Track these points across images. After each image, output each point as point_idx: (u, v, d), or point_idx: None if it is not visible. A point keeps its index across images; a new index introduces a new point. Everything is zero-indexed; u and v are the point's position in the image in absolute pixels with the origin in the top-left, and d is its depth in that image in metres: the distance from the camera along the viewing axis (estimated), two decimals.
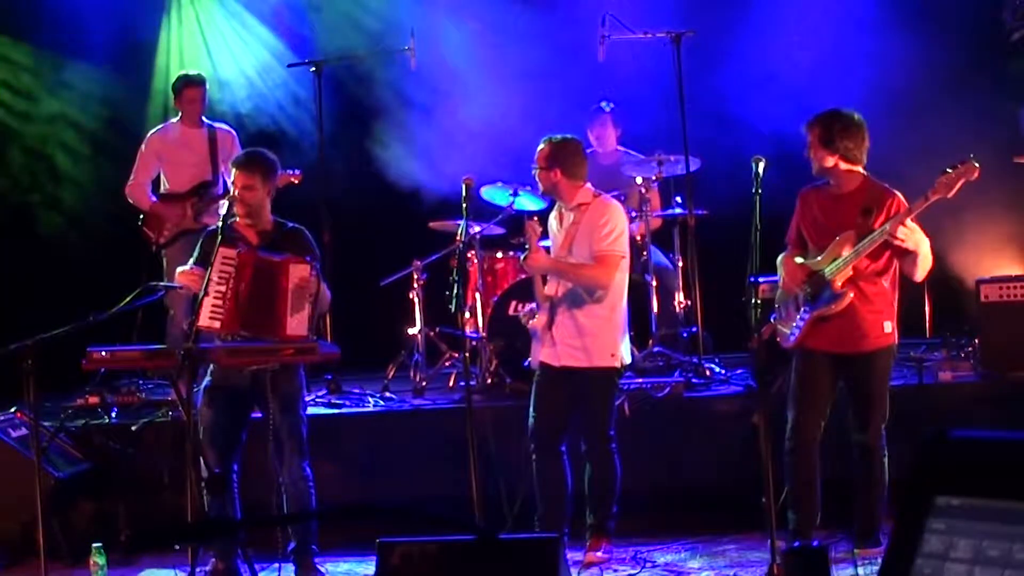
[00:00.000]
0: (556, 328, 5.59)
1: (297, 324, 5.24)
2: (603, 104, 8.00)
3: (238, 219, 5.44)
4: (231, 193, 5.48)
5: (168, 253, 7.48)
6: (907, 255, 5.11)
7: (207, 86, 7.76)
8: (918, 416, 5.80)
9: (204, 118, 7.72)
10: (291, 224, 5.61)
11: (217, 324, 5.21)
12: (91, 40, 8.77)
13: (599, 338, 5.52)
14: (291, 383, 5.43)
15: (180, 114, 7.66)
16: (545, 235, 5.90)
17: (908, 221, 5.02)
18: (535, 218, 5.80)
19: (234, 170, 5.52)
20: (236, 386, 5.37)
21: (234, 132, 7.75)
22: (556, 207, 5.81)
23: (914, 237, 5.04)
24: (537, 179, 5.71)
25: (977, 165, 4.96)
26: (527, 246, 5.66)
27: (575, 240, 5.58)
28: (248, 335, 5.30)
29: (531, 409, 5.66)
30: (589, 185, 5.69)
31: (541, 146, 5.67)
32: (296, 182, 7.38)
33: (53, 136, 9.00)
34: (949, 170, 4.98)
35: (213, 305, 5.16)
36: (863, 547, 5.26)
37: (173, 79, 7.98)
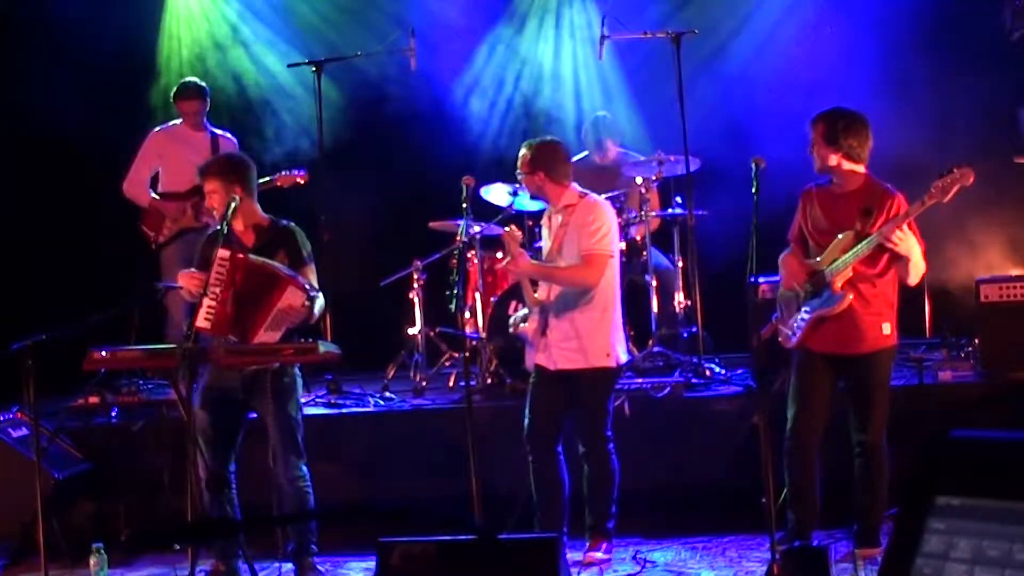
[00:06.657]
0: (551, 332, 5.58)
1: (266, 340, 5.21)
2: (598, 113, 8.02)
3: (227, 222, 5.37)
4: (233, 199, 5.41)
5: (165, 253, 7.48)
6: (901, 259, 5.11)
7: (206, 95, 7.75)
8: (918, 416, 5.80)
9: (208, 122, 7.74)
10: (284, 222, 5.57)
11: (208, 326, 5.19)
12: (91, 36, 8.75)
13: (594, 338, 5.51)
14: (284, 383, 5.41)
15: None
16: (539, 239, 5.90)
17: (904, 226, 5.02)
18: (510, 227, 5.80)
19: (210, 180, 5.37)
20: (229, 387, 5.35)
21: (235, 140, 7.76)
22: (547, 211, 5.81)
23: (907, 243, 5.04)
24: (523, 184, 5.74)
25: (972, 170, 4.96)
26: (508, 253, 5.65)
27: (564, 241, 5.57)
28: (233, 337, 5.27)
29: (527, 411, 5.65)
30: (575, 185, 5.68)
31: (523, 151, 5.67)
32: (302, 182, 7.40)
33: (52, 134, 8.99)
34: (945, 174, 4.98)
35: (208, 307, 5.15)
36: (863, 547, 5.26)
37: (173, 82, 8.00)
